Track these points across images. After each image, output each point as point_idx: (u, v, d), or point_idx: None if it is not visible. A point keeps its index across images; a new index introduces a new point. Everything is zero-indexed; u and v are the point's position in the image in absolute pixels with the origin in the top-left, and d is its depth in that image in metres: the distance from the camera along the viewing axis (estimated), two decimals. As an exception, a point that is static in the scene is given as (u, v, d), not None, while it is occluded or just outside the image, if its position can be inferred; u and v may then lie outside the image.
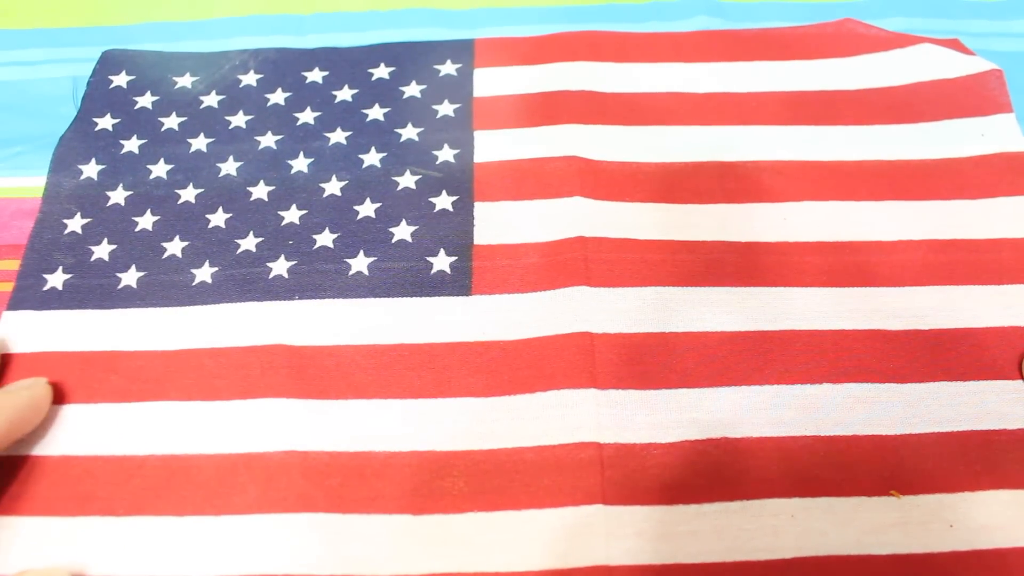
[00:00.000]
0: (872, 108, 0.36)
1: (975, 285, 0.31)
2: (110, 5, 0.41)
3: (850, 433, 0.28)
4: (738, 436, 0.28)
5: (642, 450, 0.28)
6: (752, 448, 0.28)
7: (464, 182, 0.34)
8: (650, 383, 0.29)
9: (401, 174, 0.35)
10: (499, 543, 0.26)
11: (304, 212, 0.34)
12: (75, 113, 0.37)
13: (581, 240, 0.32)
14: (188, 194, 0.34)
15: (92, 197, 0.34)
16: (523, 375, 0.29)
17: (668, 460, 0.28)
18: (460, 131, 0.36)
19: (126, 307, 0.31)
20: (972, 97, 0.35)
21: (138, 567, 0.26)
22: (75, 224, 0.34)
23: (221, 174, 0.35)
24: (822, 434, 0.28)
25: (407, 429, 0.29)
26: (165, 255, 0.33)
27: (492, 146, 0.35)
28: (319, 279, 0.32)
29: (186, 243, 0.33)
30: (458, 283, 0.32)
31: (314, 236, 0.33)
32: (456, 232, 0.33)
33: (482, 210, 0.33)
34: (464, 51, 0.38)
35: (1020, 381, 0.29)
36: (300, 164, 0.35)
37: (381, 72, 0.38)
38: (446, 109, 0.37)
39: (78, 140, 0.36)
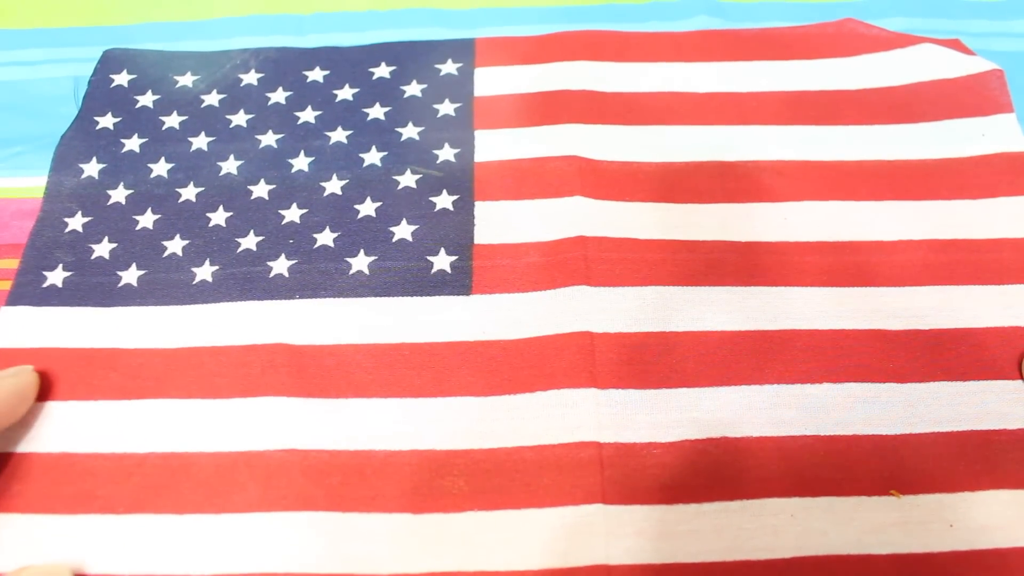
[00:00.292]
0: (873, 108, 0.36)
1: (975, 285, 0.31)
2: (110, 5, 0.41)
3: (850, 433, 0.28)
4: (738, 436, 0.28)
5: (642, 449, 0.28)
6: (752, 447, 0.28)
7: (465, 181, 0.34)
8: (650, 383, 0.29)
9: (402, 173, 0.35)
10: (499, 542, 0.26)
11: (305, 211, 0.34)
12: (76, 112, 0.37)
13: (581, 240, 0.32)
14: (189, 193, 0.34)
15: (93, 196, 0.34)
16: (523, 374, 0.29)
17: (668, 459, 0.28)
18: (461, 130, 0.36)
19: (126, 305, 0.31)
20: (973, 97, 0.35)
21: (138, 565, 0.26)
22: (76, 223, 0.34)
23: (222, 173, 0.35)
24: (822, 433, 0.28)
25: (407, 428, 0.29)
26: (166, 253, 0.33)
27: (493, 145, 0.35)
28: (319, 278, 0.32)
29: (187, 242, 0.33)
30: (458, 282, 0.32)
31: (315, 235, 0.33)
32: (456, 231, 0.33)
33: (483, 209, 0.33)
34: (465, 50, 0.38)
35: (1020, 381, 0.29)
36: (301, 163, 0.35)
37: (382, 71, 0.38)
38: (447, 108, 0.37)
39: (79, 139, 0.36)
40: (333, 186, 0.34)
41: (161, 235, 0.33)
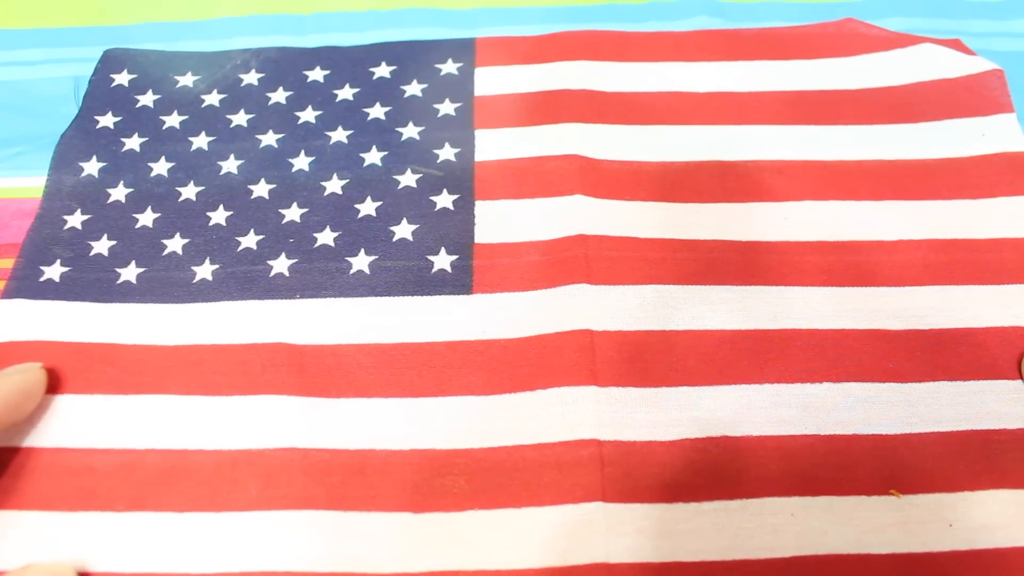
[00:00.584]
0: (873, 108, 0.36)
1: (975, 285, 0.31)
2: (110, 5, 0.42)
3: (850, 432, 0.28)
4: (738, 435, 0.28)
5: (642, 448, 0.28)
6: (752, 447, 0.28)
7: (465, 181, 0.34)
8: (650, 381, 0.29)
9: (402, 173, 0.35)
10: (499, 541, 0.26)
11: (305, 210, 0.34)
12: (76, 112, 0.37)
13: (582, 238, 0.32)
14: (189, 192, 0.34)
15: (93, 194, 0.34)
16: (523, 373, 0.29)
17: (668, 458, 0.27)
18: (461, 130, 0.36)
19: (125, 301, 0.31)
20: (973, 97, 0.35)
21: (139, 563, 0.26)
22: (75, 220, 0.34)
23: (222, 172, 0.35)
24: (822, 433, 0.28)
25: (408, 428, 0.28)
26: (165, 252, 0.33)
27: (493, 145, 0.35)
28: (320, 277, 0.32)
29: (186, 240, 0.33)
30: (459, 282, 0.32)
31: (315, 234, 0.33)
32: (457, 231, 0.33)
33: (483, 208, 0.33)
34: (465, 50, 0.39)
35: (1020, 381, 0.29)
36: (301, 163, 0.35)
37: (382, 71, 0.38)
38: (447, 108, 0.37)
39: (79, 138, 0.36)
40: (333, 186, 0.34)
41: (161, 234, 0.33)
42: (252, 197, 0.34)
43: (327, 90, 0.37)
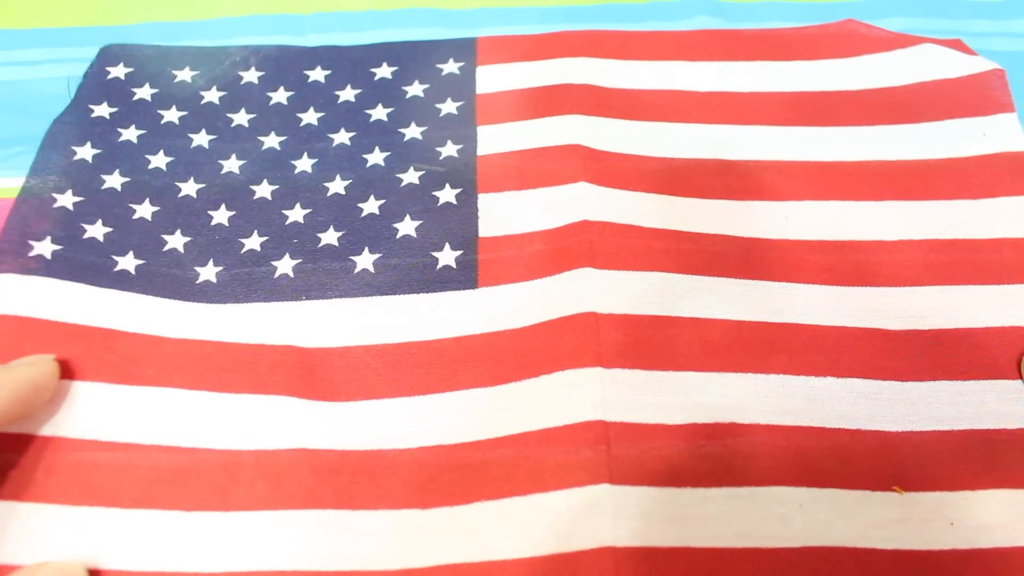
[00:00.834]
0: (873, 108, 0.36)
1: (976, 285, 0.31)
2: (110, 5, 0.41)
3: (854, 427, 0.28)
4: (746, 422, 0.27)
5: (650, 430, 0.27)
6: (760, 435, 0.27)
7: (467, 175, 0.34)
8: (656, 364, 0.29)
9: (405, 171, 0.35)
10: (505, 531, 0.26)
11: (308, 211, 0.34)
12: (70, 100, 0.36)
13: (586, 224, 0.32)
14: (189, 188, 0.34)
15: (86, 178, 0.33)
16: (528, 360, 0.29)
17: (675, 442, 0.27)
18: (463, 127, 0.36)
19: (123, 289, 0.30)
20: (974, 97, 0.35)
21: (145, 561, 0.26)
22: (66, 200, 0.33)
23: (223, 171, 0.35)
24: (827, 426, 0.28)
25: (415, 426, 0.28)
26: (166, 248, 0.32)
27: (495, 139, 0.35)
28: (324, 278, 0.32)
29: (188, 239, 0.33)
30: (464, 277, 0.31)
31: (319, 235, 0.33)
32: (461, 225, 0.33)
33: (486, 202, 0.33)
34: (466, 49, 0.38)
35: (1020, 381, 0.29)
36: (304, 164, 0.35)
37: (384, 71, 0.38)
38: (449, 107, 0.37)
39: (72, 123, 0.35)
40: (336, 186, 0.34)
41: (160, 228, 0.33)
42: (255, 198, 0.34)
43: (328, 91, 0.37)
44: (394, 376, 0.29)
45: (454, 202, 0.33)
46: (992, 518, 0.26)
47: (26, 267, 0.30)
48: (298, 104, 0.37)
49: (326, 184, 0.34)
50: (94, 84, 0.37)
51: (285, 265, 0.32)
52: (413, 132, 0.36)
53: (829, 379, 0.29)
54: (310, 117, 0.37)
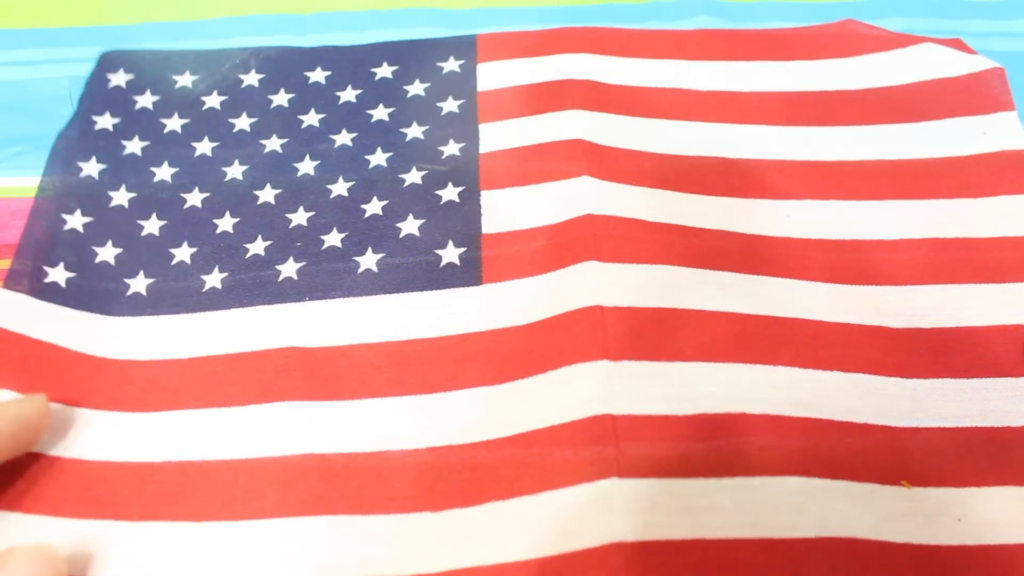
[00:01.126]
0: (873, 108, 0.36)
1: (977, 284, 0.31)
2: (110, 5, 0.41)
3: (862, 421, 0.28)
4: (756, 412, 0.27)
5: (658, 422, 0.27)
6: (771, 425, 0.27)
7: (470, 172, 0.34)
8: (663, 355, 0.28)
9: (407, 171, 0.35)
10: (515, 531, 0.26)
11: (311, 213, 0.34)
12: (72, 113, 0.37)
13: (589, 218, 0.31)
14: (194, 198, 0.34)
15: (93, 196, 0.34)
16: (534, 356, 0.29)
17: (685, 432, 0.27)
18: (465, 126, 0.36)
19: (136, 315, 0.31)
20: (974, 95, 0.35)
21: (154, 573, 0.26)
22: (75, 221, 0.33)
23: (227, 178, 0.35)
24: (836, 419, 0.27)
25: (422, 425, 0.28)
26: (174, 261, 0.32)
27: (497, 136, 0.35)
28: (328, 278, 0.32)
29: (194, 249, 0.33)
30: (468, 274, 0.31)
31: (322, 237, 0.33)
32: (464, 223, 0.33)
33: (489, 198, 0.33)
34: (467, 47, 0.38)
35: (1023, 379, 0.29)
36: (306, 167, 0.35)
37: (384, 71, 0.38)
38: (450, 106, 0.37)
39: (77, 137, 0.35)
40: (339, 188, 0.34)
41: (168, 242, 0.33)
42: (258, 203, 0.34)
43: (329, 92, 0.37)
44: (399, 374, 0.29)
45: (457, 200, 0.33)
46: (998, 515, 0.26)
47: (43, 293, 0.31)
48: (299, 106, 0.37)
49: (329, 186, 0.34)
50: (96, 93, 0.37)
51: (289, 268, 0.32)
52: (415, 132, 0.36)
53: (836, 373, 0.29)
54: (311, 119, 0.36)
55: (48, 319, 0.30)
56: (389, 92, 0.37)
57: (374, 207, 0.34)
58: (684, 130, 0.35)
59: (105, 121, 0.36)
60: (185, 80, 0.38)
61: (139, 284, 0.32)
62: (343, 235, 0.33)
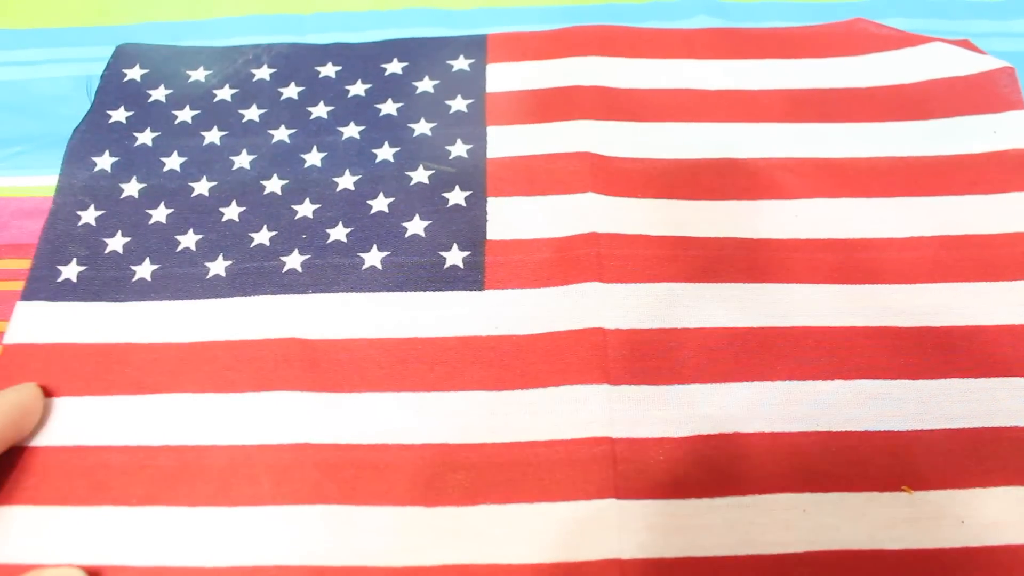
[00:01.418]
0: (883, 106, 0.36)
1: (986, 282, 0.31)
2: (111, 5, 0.41)
3: (862, 429, 0.28)
4: (750, 431, 0.28)
5: (654, 445, 0.28)
6: (764, 443, 0.28)
7: (477, 177, 0.34)
8: (662, 379, 0.29)
9: (414, 169, 0.35)
10: (510, 536, 0.26)
11: (318, 206, 0.34)
12: (77, 111, 0.37)
13: (594, 236, 0.32)
14: (201, 187, 0.34)
15: (106, 189, 0.34)
16: (535, 370, 0.29)
17: (680, 455, 0.28)
18: (473, 126, 0.36)
19: (140, 300, 0.31)
20: (984, 94, 0.36)
21: (151, 557, 0.26)
22: (89, 216, 0.34)
23: (235, 168, 0.35)
24: (834, 430, 0.28)
25: (419, 422, 0.29)
26: (179, 248, 0.33)
27: (505, 142, 0.35)
28: (332, 273, 0.32)
29: (200, 236, 0.33)
30: (471, 278, 0.32)
31: (328, 230, 0.33)
32: (469, 227, 0.33)
33: (495, 205, 0.33)
34: (477, 46, 0.38)
35: (1032, 378, 0.29)
36: (313, 158, 0.35)
37: (394, 67, 0.38)
38: (459, 104, 0.37)
39: (92, 132, 0.36)
40: (346, 182, 0.34)
41: (174, 229, 0.33)
42: (265, 193, 0.34)
43: (339, 86, 0.37)
44: (398, 371, 0.30)
45: (463, 204, 0.34)
46: (1003, 515, 0.26)
47: (55, 294, 0.32)
48: (308, 98, 0.37)
49: (335, 179, 0.34)
50: (112, 88, 0.37)
51: (294, 260, 0.32)
52: (423, 128, 0.36)
53: (836, 382, 0.29)
54: (320, 110, 0.37)
55: (62, 320, 0.31)
56: (398, 88, 0.37)
57: (380, 204, 0.34)
58: (691, 132, 0.35)
59: (119, 114, 0.37)
60: (198, 74, 0.38)
61: (144, 270, 0.32)
62: (348, 230, 0.33)
